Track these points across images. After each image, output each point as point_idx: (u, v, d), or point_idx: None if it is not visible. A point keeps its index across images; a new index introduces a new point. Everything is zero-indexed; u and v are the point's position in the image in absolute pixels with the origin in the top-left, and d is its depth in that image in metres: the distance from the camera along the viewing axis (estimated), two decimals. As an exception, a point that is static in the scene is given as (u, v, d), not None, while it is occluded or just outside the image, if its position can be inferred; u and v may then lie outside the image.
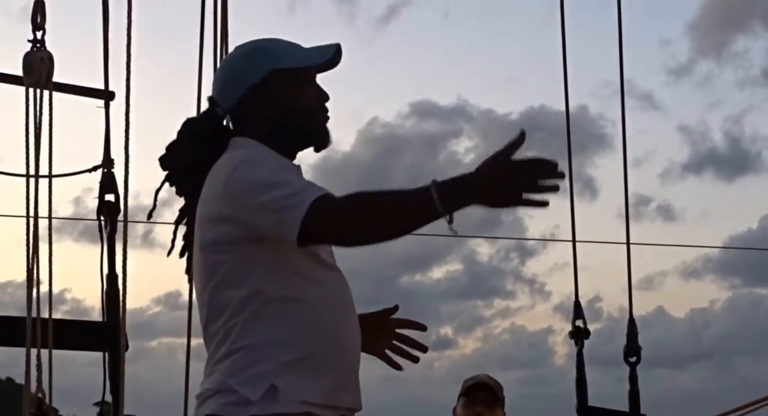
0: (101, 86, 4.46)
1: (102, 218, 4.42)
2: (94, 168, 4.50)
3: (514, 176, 2.31)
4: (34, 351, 4.10)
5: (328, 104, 2.66)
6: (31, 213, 4.21)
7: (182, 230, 2.71)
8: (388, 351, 2.84)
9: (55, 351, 4.14)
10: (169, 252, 2.71)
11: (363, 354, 2.64)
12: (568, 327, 5.38)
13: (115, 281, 4.36)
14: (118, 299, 4.32)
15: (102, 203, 4.42)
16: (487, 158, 2.31)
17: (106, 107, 4.46)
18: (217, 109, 2.63)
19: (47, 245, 4.20)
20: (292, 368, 2.42)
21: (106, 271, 4.39)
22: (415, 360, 2.83)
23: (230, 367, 2.44)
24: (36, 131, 4.23)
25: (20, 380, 4.25)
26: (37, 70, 4.26)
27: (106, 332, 4.32)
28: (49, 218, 4.31)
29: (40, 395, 4.10)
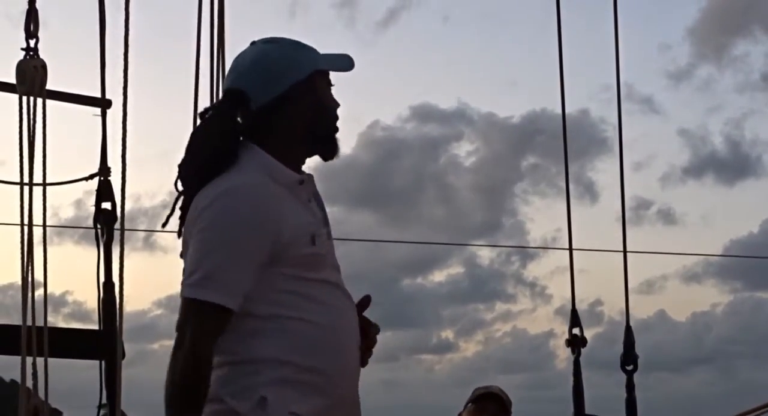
0: (99, 94, 4.46)
1: (98, 226, 4.41)
2: (91, 176, 4.50)
3: None
4: (30, 360, 4.09)
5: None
6: (26, 221, 4.20)
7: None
8: None
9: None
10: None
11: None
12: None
13: (112, 289, 4.35)
14: (115, 308, 4.30)
15: (99, 211, 4.42)
16: None
17: (103, 115, 4.46)
18: (251, 103, 2.53)
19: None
20: (285, 383, 2.43)
21: (102, 279, 4.38)
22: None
23: (222, 378, 2.45)
24: (30, 139, 4.22)
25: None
26: (30, 79, 4.26)
27: (103, 340, 4.31)
28: (44, 226, 4.29)
29: (36, 403, 4.09)
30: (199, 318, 2.39)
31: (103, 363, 4.31)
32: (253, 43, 2.62)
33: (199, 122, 2.63)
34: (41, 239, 4.20)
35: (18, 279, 4.10)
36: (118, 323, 4.23)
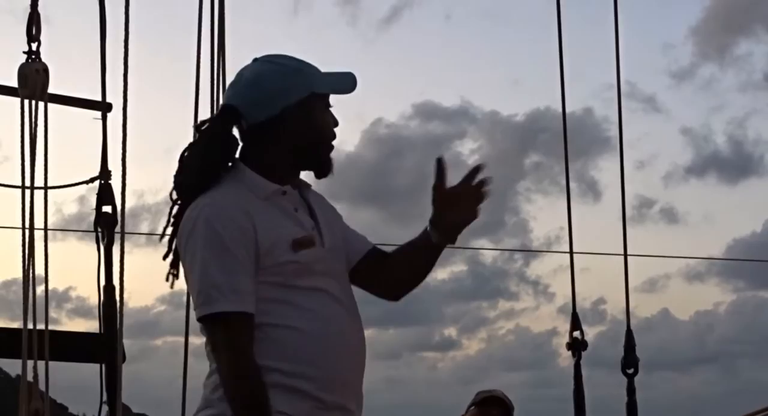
0: (100, 97, 4.46)
1: (99, 229, 4.41)
2: (92, 180, 4.50)
3: (455, 202, 2.61)
4: (30, 363, 4.09)
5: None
6: (27, 225, 4.21)
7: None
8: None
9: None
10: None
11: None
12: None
13: (113, 292, 4.34)
14: (116, 311, 4.30)
15: (99, 215, 4.41)
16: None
17: (104, 118, 4.46)
18: (243, 121, 2.60)
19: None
20: (273, 387, 2.46)
21: (103, 282, 4.37)
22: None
23: (214, 383, 2.52)
24: (31, 142, 4.23)
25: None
26: (32, 82, 4.27)
27: (103, 344, 4.30)
28: (45, 229, 4.31)
29: (37, 406, 4.09)
30: (224, 331, 2.46)
31: (103, 366, 4.30)
32: (255, 61, 2.66)
33: (195, 133, 2.69)
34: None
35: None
36: (118, 326, 4.25)
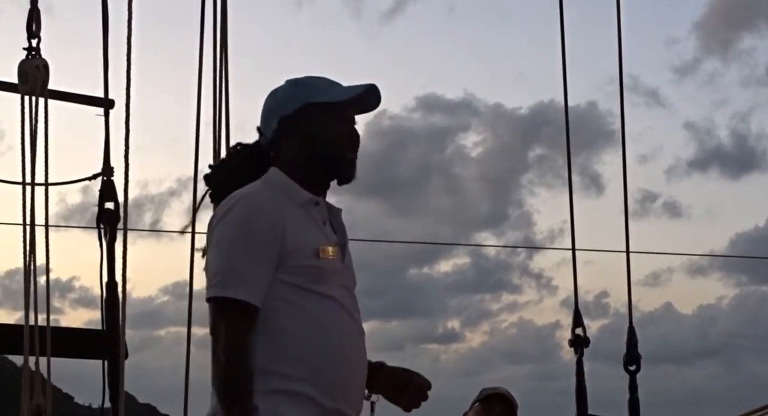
0: (101, 92, 4.45)
1: (102, 226, 4.40)
2: (94, 176, 4.49)
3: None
4: (32, 359, 4.08)
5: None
6: (28, 222, 4.20)
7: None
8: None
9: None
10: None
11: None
12: (576, 322, 5.37)
13: (115, 289, 4.34)
14: (118, 308, 4.30)
15: (102, 211, 4.41)
16: None
17: (106, 115, 4.46)
18: (261, 139, 2.78)
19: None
20: (276, 393, 2.53)
21: (105, 279, 4.36)
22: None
23: None
24: (32, 139, 4.22)
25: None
26: (32, 79, 4.26)
27: (106, 340, 4.29)
28: (46, 226, 4.29)
29: (39, 402, 4.08)
30: (228, 314, 2.55)
31: (106, 362, 4.29)
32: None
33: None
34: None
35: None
36: (120, 323, 4.24)
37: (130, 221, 4.28)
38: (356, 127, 2.77)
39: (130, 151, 3.87)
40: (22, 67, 4.30)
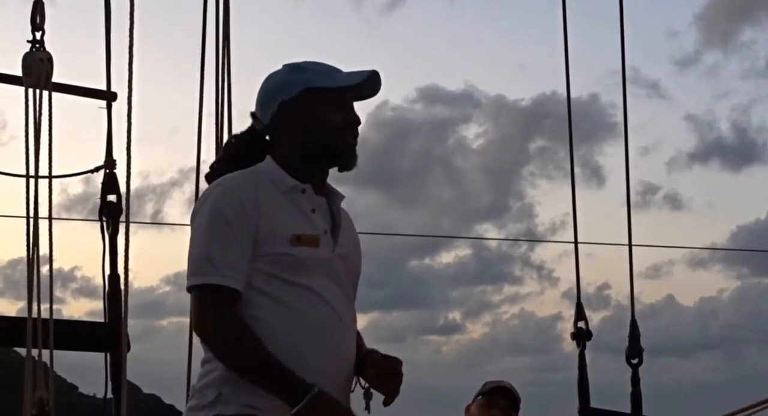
0: (103, 85, 4.45)
1: (104, 218, 4.41)
2: (96, 169, 4.49)
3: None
4: (35, 351, 4.09)
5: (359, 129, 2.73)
6: (32, 214, 4.20)
7: None
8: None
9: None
10: None
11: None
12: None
13: (117, 282, 4.35)
14: (120, 300, 4.31)
15: (104, 204, 4.41)
16: None
17: (108, 108, 4.46)
18: (257, 123, 2.75)
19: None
20: (246, 383, 2.51)
21: (108, 271, 4.37)
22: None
23: (199, 374, 2.63)
24: (36, 131, 4.23)
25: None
26: (36, 71, 4.27)
27: (108, 333, 4.30)
28: (50, 219, 4.30)
29: (42, 395, 4.09)
30: (211, 303, 2.54)
31: (108, 355, 4.30)
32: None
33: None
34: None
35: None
36: (123, 316, 4.26)
37: (132, 212, 4.29)
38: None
39: (132, 142, 3.86)
40: (26, 60, 4.31)
